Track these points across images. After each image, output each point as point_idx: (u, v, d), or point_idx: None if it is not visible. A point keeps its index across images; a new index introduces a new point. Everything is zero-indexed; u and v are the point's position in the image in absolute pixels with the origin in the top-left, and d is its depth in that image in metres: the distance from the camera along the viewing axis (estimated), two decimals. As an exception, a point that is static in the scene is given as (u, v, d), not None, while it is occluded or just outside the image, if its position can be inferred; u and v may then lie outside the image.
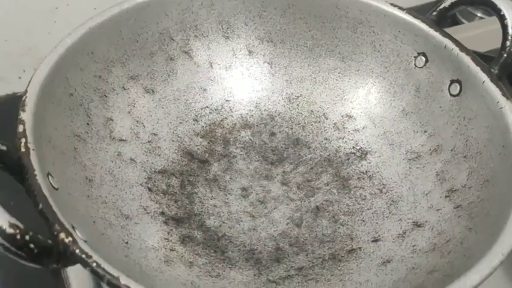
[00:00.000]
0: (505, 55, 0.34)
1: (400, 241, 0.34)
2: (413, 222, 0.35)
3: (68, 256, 0.22)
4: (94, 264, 0.21)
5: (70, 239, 0.22)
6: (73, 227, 0.24)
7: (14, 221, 0.20)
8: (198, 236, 0.34)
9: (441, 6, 0.38)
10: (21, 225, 0.20)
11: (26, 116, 0.27)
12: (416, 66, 0.39)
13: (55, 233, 0.22)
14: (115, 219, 0.31)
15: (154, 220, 0.34)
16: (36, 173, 0.24)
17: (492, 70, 0.34)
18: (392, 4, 0.39)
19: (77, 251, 0.22)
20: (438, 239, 0.32)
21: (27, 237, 0.20)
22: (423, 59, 0.38)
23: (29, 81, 0.30)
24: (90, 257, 0.22)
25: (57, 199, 0.25)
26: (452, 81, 0.36)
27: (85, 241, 0.24)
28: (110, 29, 0.37)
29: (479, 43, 0.50)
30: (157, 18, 0.39)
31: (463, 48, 0.36)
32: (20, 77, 0.51)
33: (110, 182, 0.34)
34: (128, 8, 0.37)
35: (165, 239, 0.33)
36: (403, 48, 0.39)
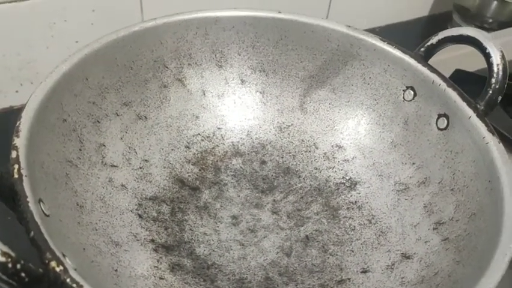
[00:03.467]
0: (491, 92, 0.35)
1: (389, 273, 0.34)
2: (402, 253, 0.35)
3: (58, 285, 0.22)
4: (85, 294, 0.21)
5: (61, 267, 0.22)
6: (63, 255, 0.24)
7: (6, 249, 0.20)
8: (188, 264, 0.34)
9: (428, 43, 0.39)
10: (12, 254, 0.20)
11: (20, 141, 0.27)
12: (404, 99, 0.40)
13: (46, 261, 0.22)
14: (105, 246, 0.31)
15: (143, 247, 0.34)
16: (29, 199, 0.24)
17: (478, 106, 0.35)
18: (381, 39, 0.40)
19: (68, 280, 0.21)
20: (426, 272, 0.32)
21: (18, 266, 0.20)
22: (412, 92, 0.39)
23: (24, 107, 0.30)
24: (81, 286, 0.21)
25: (48, 226, 0.25)
26: (439, 116, 0.37)
27: (75, 269, 0.24)
28: (106, 56, 0.37)
29: (471, 61, 0.51)
30: (152, 46, 0.40)
31: (449, 83, 0.37)
32: (17, 91, 0.51)
33: (101, 208, 0.34)
34: (124, 35, 0.38)
35: (155, 266, 0.33)
36: (392, 81, 0.41)
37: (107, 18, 0.53)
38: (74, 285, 0.21)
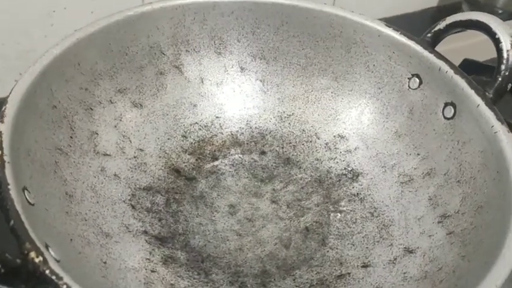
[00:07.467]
0: (500, 79, 0.34)
1: (391, 267, 0.33)
2: (405, 248, 0.33)
3: (37, 277, 0.21)
4: (65, 287, 0.20)
5: (40, 258, 0.21)
6: (47, 246, 0.23)
7: (-21, 238, 0.19)
8: (182, 256, 0.33)
9: (436, 28, 0.37)
10: (-13, 243, 0.19)
11: (4, 127, 0.26)
12: (409, 87, 0.38)
13: (25, 251, 0.21)
14: (94, 237, 0.30)
15: (135, 239, 0.33)
16: (10, 187, 0.23)
17: (487, 94, 0.33)
18: (386, 25, 0.39)
19: (47, 271, 0.20)
20: (430, 267, 0.31)
21: (-7, 256, 0.19)
22: (417, 80, 0.38)
23: (10, 91, 0.29)
24: (60, 278, 0.20)
25: (31, 215, 0.23)
26: (446, 104, 0.36)
27: (58, 261, 0.22)
28: (99, 41, 0.36)
29: (479, 52, 0.49)
30: (148, 31, 0.39)
31: (457, 70, 0.35)
32: (15, 80, 0.50)
33: (92, 198, 0.32)
34: (119, 20, 0.37)
35: (146, 259, 0.32)
36: (397, 69, 0.39)
37: (107, 6, 0.52)
38: (54, 277, 0.20)
